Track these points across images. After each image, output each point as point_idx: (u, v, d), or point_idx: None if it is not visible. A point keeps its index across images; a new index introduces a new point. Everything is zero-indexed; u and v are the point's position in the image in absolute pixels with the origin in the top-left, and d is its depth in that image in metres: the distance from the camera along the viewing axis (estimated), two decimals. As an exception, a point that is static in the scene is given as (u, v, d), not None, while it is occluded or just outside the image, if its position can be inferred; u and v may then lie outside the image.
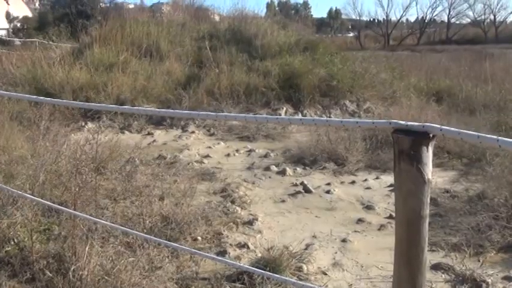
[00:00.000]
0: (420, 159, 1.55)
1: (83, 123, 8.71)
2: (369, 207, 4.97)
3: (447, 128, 1.52)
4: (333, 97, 10.55)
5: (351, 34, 69.61)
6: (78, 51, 11.88)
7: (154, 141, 8.07)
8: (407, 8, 65.45)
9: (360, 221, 4.61)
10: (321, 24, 68.89)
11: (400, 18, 67.44)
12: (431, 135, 1.55)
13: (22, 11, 61.30)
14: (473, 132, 1.48)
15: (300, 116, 9.95)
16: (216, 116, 2.99)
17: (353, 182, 5.91)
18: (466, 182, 5.65)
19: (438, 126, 1.53)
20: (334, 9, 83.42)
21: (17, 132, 6.22)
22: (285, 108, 10.03)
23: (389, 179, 5.76)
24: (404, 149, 1.57)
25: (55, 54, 12.08)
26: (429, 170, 1.57)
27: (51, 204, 3.51)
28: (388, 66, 12.70)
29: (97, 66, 10.61)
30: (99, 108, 8.35)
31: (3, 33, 44.34)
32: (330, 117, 10.05)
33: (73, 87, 9.64)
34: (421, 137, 1.55)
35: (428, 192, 1.58)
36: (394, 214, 4.48)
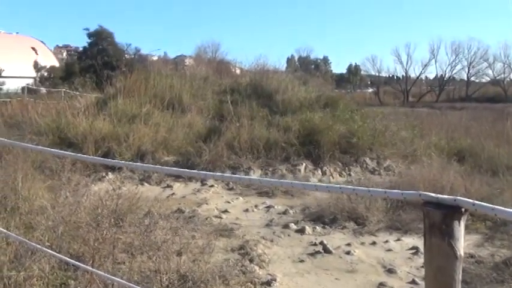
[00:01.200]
0: (452, 234, 1.50)
1: (104, 174, 8.80)
2: (390, 271, 4.84)
3: (480, 203, 1.48)
4: (353, 154, 10.51)
5: (370, 90, 70.26)
6: (103, 102, 12.23)
7: (173, 194, 8.08)
8: (426, 65, 65.84)
9: (381, 285, 4.48)
10: (340, 80, 69.80)
11: (419, 75, 68.02)
12: (463, 210, 1.50)
13: (50, 60, 63.50)
14: (508, 209, 1.44)
15: (319, 172, 9.89)
16: (231, 178, 2.98)
17: (374, 243, 5.78)
18: (491, 247, 5.50)
19: (471, 201, 1.49)
20: (353, 65, 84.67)
21: (39, 181, 6.26)
22: (304, 164, 9.98)
23: (410, 240, 5.63)
24: (435, 223, 1.52)
25: (80, 104, 12.44)
26: (461, 245, 1.51)
27: (69, 259, 3.48)
28: (409, 124, 12.59)
29: (120, 117, 10.88)
30: (116, 164, 8.39)
31: (30, 82, 45.73)
32: (349, 174, 9.97)
33: (95, 137, 9.83)
34: (452, 211, 1.50)
35: (460, 269, 1.52)
36: (417, 279, 4.37)
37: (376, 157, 10.71)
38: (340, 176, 10.00)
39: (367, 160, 10.55)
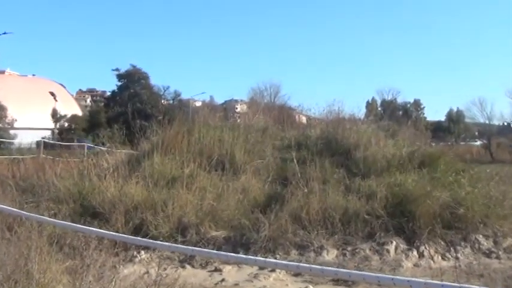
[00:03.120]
0: None
1: (135, 253, 8.92)
2: None
3: None
4: (460, 230, 10.21)
5: (478, 142, 68.51)
6: (135, 160, 12.58)
7: (223, 280, 8.05)
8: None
9: None
10: (437, 129, 68.76)
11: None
12: None
13: (71, 108, 66.59)
14: None
15: (414, 254, 9.59)
16: (297, 268, 2.92)
17: None
18: None
19: None
20: (454, 110, 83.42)
21: (56, 262, 6.40)
22: (394, 243, 9.74)
23: None
24: None
25: (107, 163, 12.80)
26: None
27: None
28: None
29: (157, 180, 11.09)
30: (149, 245, 8.47)
31: (47, 134, 47.89)
32: (456, 257, 9.59)
33: (126, 206, 10.02)
34: None
35: None
36: None
37: (492, 234, 10.32)
38: (443, 259, 9.65)
39: (480, 238, 10.18)
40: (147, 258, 8.76)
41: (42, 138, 32.08)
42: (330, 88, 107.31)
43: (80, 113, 69.49)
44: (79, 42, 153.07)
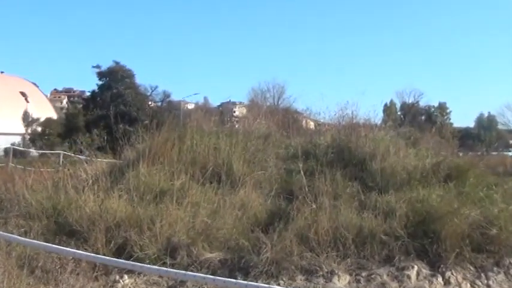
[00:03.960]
0: None
1: (118, 277, 8.88)
2: None
3: None
4: (492, 253, 10.16)
5: (513, 152, 68.41)
6: (118, 171, 12.49)
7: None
8: None
9: None
10: (466, 137, 68.78)
11: None
12: None
13: (45, 110, 66.61)
14: None
15: (439, 281, 9.59)
16: None
17: None
18: None
19: None
20: (485, 115, 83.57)
21: (26, 286, 6.40)
22: (416, 268, 9.71)
23: None
24: None
25: (86, 174, 12.73)
26: None
27: None
28: None
29: (143, 194, 11.05)
30: (133, 269, 8.49)
31: (17, 140, 47.89)
32: (488, 284, 9.60)
33: (107, 223, 9.95)
34: None
35: None
36: None
37: (529, 258, 10.18)
38: (472, 286, 9.63)
39: (515, 263, 10.07)
40: (132, 283, 8.72)
41: (12, 144, 32.11)
42: (342, 89, 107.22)
43: (54, 116, 69.49)
44: (54, 36, 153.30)
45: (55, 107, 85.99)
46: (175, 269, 8.70)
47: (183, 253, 9.64)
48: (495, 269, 9.96)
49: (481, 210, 10.63)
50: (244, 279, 9.09)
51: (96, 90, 65.15)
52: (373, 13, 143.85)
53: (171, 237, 9.93)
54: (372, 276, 9.48)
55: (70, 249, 4.23)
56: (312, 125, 18.90)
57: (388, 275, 9.54)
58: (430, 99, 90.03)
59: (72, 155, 17.33)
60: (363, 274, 9.53)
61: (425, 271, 9.77)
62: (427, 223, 10.43)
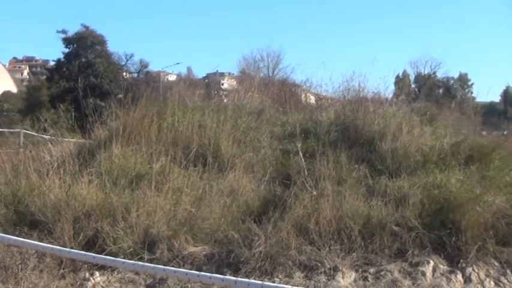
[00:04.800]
0: None
1: (88, 275, 8.86)
2: None
3: None
4: (519, 246, 9.99)
5: (544, 131, 68.66)
6: (88, 153, 12.44)
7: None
8: None
9: None
10: (490, 113, 68.97)
11: None
12: None
13: (2, 83, 66.18)
14: None
15: (459, 278, 9.57)
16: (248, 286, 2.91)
17: None
18: None
19: None
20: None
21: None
22: (432, 263, 9.74)
23: None
24: None
25: (50, 156, 12.70)
26: None
27: None
28: None
29: (116, 179, 11.00)
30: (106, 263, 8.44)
31: (-30, 117, 47.75)
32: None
33: (76, 212, 9.92)
34: None
35: None
36: None
37: None
38: (496, 284, 9.61)
39: (547, 258, 10.07)
40: (104, 281, 8.71)
41: (-36, 122, 31.97)
42: (348, 58, 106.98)
43: (14, 89, 69.15)
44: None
45: (14, 79, 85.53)
46: (154, 264, 8.66)
47: (163, 247, 9.62)
48: (523, 264, 9.74)
49: (507, 197, 10.62)
50: (234, 276, 9.05)
51: (62, 59, 64.67)
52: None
53: (149, 228, 9.90)
54: (381, 272, 9.47)
55: (32, 242, 4.19)
56: (312, 99, 18.78)
57: (399, 272, 9.53)
58: (449, 70, 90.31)
59: (35, 134, 17.13)
60: (371, 270, 9.51)
61: (443, 267, 9.77)
62: (445, 212, 10.42)
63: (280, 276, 9.22)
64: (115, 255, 8.97)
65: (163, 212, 10.22)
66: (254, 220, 10.29)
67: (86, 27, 64.20)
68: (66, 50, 64.05)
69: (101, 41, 63.09)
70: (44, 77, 71.99)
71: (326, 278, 9.28)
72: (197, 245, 9.91)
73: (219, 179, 11.62)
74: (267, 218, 10.20)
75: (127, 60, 69.39)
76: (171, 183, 11.11)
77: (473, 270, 9.73)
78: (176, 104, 13.76)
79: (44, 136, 15.39)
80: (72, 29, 64.80)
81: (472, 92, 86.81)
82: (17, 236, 8.07)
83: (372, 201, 10.78)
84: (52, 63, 74.62)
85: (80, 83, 35.75)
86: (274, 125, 14.04)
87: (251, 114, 14.15)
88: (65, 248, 8.05)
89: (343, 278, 9.35)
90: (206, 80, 74.73)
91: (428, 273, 9.60)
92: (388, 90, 18.97)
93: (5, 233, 8.27)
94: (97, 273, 9.01)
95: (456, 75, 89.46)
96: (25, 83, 77.04)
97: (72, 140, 14.56)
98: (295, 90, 21.10)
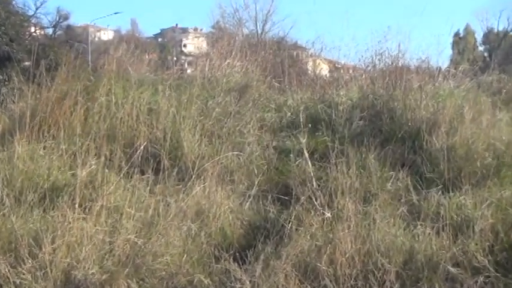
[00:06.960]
0: None
1: None
2: None
3: None
4: None
5: None
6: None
7: None
8: None
9: None
10: None
11: None
12: None
13: None
14: None
15: None
16: None
17: None
18: None
19: None
20: None
21: None
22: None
23: None
24: None
25: None
26: None
27: None
28: None
29: (20, 193, 9.57)
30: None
31: None
32: None
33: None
34: None
35: None
36: None
37: None
38: None
39: None
40: None
41: None
42: (382, 6, 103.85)
43: None
44: None
45: None
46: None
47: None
48: None
49: None
50: None
51: None
52: None
53: (72, 270, 8.39)
54: None
55: None
56: (325, 68, 16.96)
57: None
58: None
59: None
60: None
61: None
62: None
63: None
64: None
65: (93, 244, 8.71)
66: (234, 257, 8.84)
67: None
68: None
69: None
70: None
71: None
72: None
73: (180, 193, 10.10)
74: (255, 254, 8.82)
75: (37, 9, 65.62)
76: (105, 199, 9.48)
77: None
78: (113, 77, 12.07)
79: None
80: None
81: None
82: None
83: (416, 228, 9.29)
84: None
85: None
86: (265, 109, 12.67)
87: (230, 93, 12.60)
88: None
89: None
90: (160, 39, 71.35)
91: None
92: (443, 55, 16.59)
93: None
94: None
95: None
96: None
97: None
98: (297, 56, 20.49)
